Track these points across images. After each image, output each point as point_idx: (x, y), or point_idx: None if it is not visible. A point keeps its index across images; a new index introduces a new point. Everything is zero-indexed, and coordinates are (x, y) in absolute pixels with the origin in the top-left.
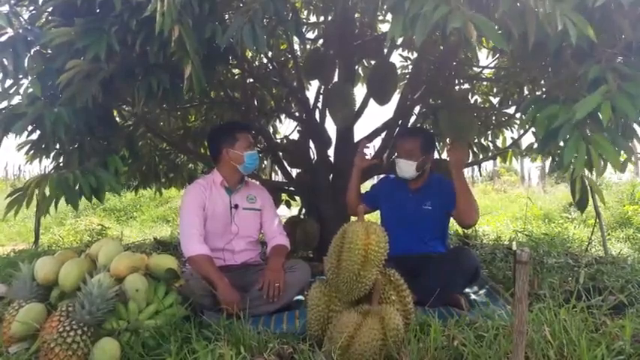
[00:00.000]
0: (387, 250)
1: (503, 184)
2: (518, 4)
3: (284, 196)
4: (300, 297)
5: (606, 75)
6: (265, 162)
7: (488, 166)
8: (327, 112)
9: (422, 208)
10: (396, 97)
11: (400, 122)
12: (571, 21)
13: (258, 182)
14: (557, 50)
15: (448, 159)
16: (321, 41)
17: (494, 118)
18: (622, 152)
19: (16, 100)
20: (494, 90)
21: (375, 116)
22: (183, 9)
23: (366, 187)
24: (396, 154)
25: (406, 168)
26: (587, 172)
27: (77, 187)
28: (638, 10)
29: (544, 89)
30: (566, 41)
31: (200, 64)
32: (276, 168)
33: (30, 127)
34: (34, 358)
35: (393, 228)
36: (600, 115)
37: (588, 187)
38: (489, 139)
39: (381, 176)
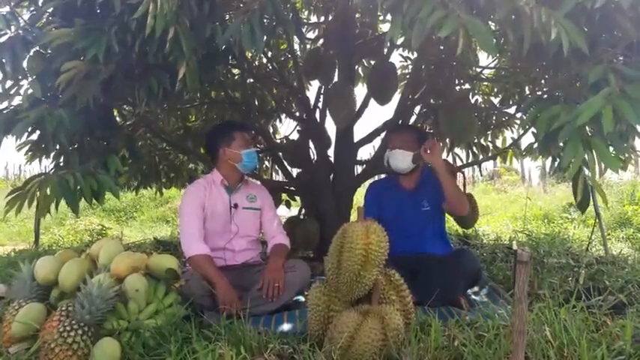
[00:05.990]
0: (388, 250)
1: (504, 184)
2: (514, 12)
3: (284, 196)
4: (300, 297)
5: (608, 76)
6: (266, 162)
7: (488, 166)
8: (327, 112)
9: (421, 209)
10: (396, 97)
11: (400, 122)
12: (564, 29)
13: (258, 182)
14: (557, 51)
15: (428, 161)
16: (321, 41)
17: (494, 118)
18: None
19: (16, 101)
20: (495, 90)
21: (375, 116)
22: (181, 9)
23: (365, 186)
24: (390, 147)
25: (402, 158)
26: (588, 172)
27: (78, 190)
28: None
29: (545, 89)
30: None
31: (196, 64)
32: (277, 168)
33: (30, 128)
34: (34, 359)
35: (393, 228)
36: (602, 121)
37: (590, 187)
38: (489, 139)
39: (371, 181)
